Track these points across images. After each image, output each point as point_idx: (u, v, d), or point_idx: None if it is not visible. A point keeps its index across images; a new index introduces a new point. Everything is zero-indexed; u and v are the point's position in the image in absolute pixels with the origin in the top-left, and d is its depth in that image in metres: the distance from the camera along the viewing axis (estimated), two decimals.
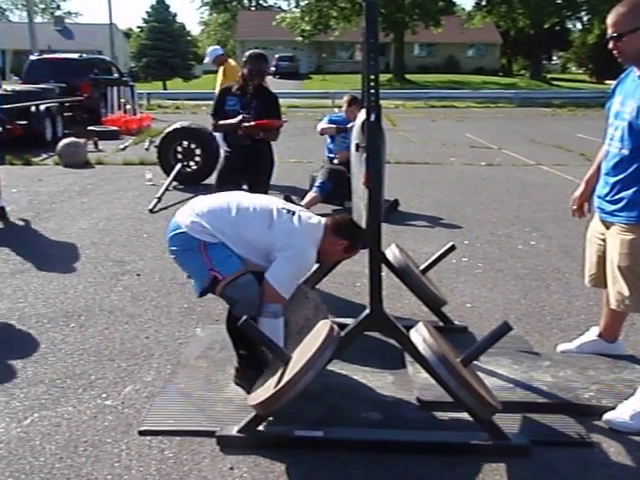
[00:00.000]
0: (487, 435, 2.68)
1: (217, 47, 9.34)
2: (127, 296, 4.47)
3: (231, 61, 9.17)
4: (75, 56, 17.25)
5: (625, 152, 2.83)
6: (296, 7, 43.51)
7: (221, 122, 4.84)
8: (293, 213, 3.10)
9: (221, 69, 8.92)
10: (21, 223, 6.49)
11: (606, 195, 2.96)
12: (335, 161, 7.10)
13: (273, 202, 3.18)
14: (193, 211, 3.08)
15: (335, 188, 6.85)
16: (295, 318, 3.09)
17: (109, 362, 3.47)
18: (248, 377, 3.05)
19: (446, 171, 10.10)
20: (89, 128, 13.80)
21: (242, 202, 3.11)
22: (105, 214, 6.91)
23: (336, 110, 17.06)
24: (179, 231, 3.04)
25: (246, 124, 4.66)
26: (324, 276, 3.96)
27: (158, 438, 2.74)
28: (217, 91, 8.98)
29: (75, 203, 7.46)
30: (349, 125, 6.64)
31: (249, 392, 2.86)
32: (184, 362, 3.44)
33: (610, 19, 2.79)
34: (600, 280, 3.15)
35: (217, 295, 3.03)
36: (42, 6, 70.11)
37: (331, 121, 7.23)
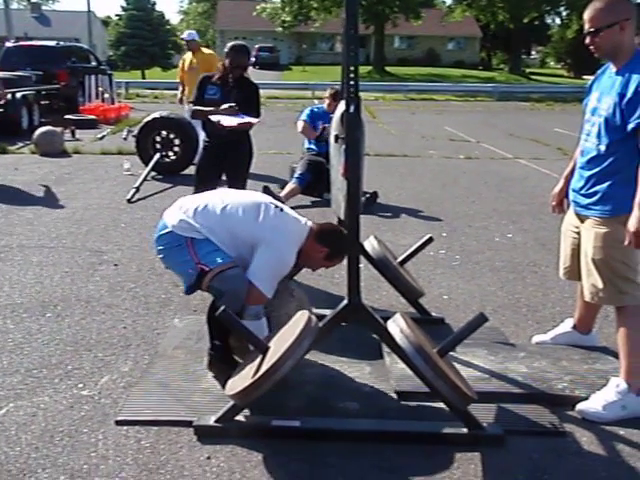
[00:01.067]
0: (463, 425, 2.72)
1: (195, 32, 9.49)
2: (104, 286, 4.44)
3: (205, 50, 9.19)
4: (52, 44, 17.02)
5: (601, 148, 2.87)
6: None
7: (198, 107, 4.81)
8: (281, 210, 3.11)
9: (189, 55, 9.03)
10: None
11: (581, 189, 3.00)
12: (315, 149, 7.08)
13: (261, 197, 3.20)
14: (179, 210, 3.10)
15: (314, 179, 6.86)
16: (278, 314, 3.09)
17: (86, 352, 3.45)
18: (221, 369, 3.07)
19: (425, 164, 10.14)
20: (66, 117, 13.63)
21: (229, 198, 3.13)
22: (82, 204, 6.85)
23: (316, 102, 17.06)
24: (166, 231, 3.06)
25: (221, 123, 4.62)
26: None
27: (135, 428, 2.74)
28: (179, 77, 9.16)
29: (52, 192, 7.38)
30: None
31: (224, 384, 2.86)
32: (162, 352, 3.44)
33: (587, 14, 2.82)
34: (574, 273, 3.19)
35: (204, 289, 3.02)
36: None
37: (312, 113, 7.23)
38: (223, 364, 3.10)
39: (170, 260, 3.13)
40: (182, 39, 9.26)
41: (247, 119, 4.66)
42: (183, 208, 3.10)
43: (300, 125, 7.22)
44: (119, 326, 3.80)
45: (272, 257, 2.97)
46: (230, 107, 4.62)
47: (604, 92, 2.88)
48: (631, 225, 2.66)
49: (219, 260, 2.95)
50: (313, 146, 7.19)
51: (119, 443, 2.64)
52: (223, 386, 2.87)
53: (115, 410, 2.87)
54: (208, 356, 3.18)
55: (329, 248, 3.12)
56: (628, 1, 2.85)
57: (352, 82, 2.63)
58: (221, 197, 3.14)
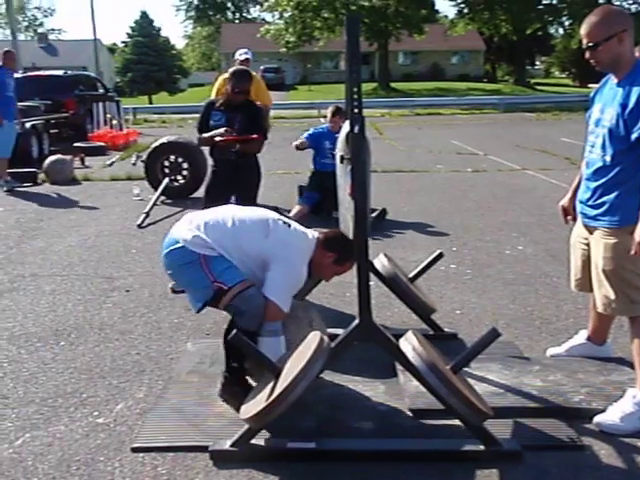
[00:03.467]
0: (479, 442, 2.70)
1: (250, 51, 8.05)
2: (117, 313, 4.46)
3: (256, 75, 7.46)
4: (60, 73, 17.21)
5: (607, 158, 2.87)
6: (280, 19, 43.65)
7: (204, 135, 4.84)
8: (289, 225, 3.15)
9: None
10: (9, 242, 6.46)
11: (588, 200, 3.00)
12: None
13: (269, 213, 3.24)
14: (190, 225, 3.09)
15: (322, 199, 6.88)
16: (293, 340, 3.06)
17: (100, 380, 3.46)
18: (234, 392, 3.04)
19: (433, 178, 10.15)
20: (75, 144, 13.75)
21: (238, 214, 3.15)
22: (93, 230, 6.90)
23: (322, 120, 17.11)
24: (177, 246, 3.04)
25: (221, 137, 4.68)
26: (314, 286, 3.98)
27: (151, 455, 2.74)
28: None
29: (62, 220, 7.44)
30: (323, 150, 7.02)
31: (237, 407, 2.86)
32: (175, 378, 3.44)
33: (584, 29, 2.84)
34: (586, 284, 3.17)
35: (220, 307, 3.03)
36: (25, 23, 70.08)
37: (313, 135, 7.27)
38: (237, 387, 3.09)
39: (182, 277, 3.13)
40: (236, 59, 7.62)
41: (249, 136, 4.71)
42: (194, 223, 3.09)
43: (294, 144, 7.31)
44: (133, 352, 3.81)
45: (285, 272, 2.99)
46: (226, 131, 4.67)
47: (607, 103, 2.89)
48: (637, 235, 2.65)
49: (237, 278, 2.96)
50: (320, 166, 7.21)
51: (136, 470, 2.64)
52: (237, 410, 2.87)
53: (131, 437, 2.87)
54: (222, 379, 3.16)
55: (337, 252, 3.15)
56: (623, 12, 2.87)
57: (356, 102, 2.65)
58: (231, 213, 3.15)
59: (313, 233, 3.22)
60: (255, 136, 4.72)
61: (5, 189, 9.31)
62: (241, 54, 7.66)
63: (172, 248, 3.07)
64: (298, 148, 7.25)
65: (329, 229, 3.33)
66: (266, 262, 3.01)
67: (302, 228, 3.24)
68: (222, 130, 4.69)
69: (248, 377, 3.16)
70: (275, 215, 3.21)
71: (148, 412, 3.08)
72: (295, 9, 40.34)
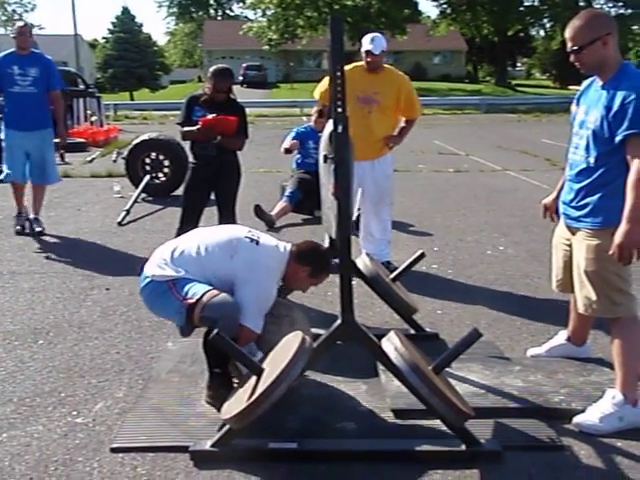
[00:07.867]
0: (460, 442, 2.70)
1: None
2: (96, 311, 4.42)
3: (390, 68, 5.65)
4: None
5: (591, 160, 2.89)
6: (263, 16, 43.56)
7: (186, 128, 4.77)
8: (257, 242, 3.15)
9: (361, 73, 5.10)
10: None
11: (571, 201, 3.02)
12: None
13: (236, 231, 3.25)
14: (157, 259, 3.17)
15: (305, 197, 6.85)
16: (274, 339, 3.01)
17: (79, 379, 3.42)
18: (220, 395, 3.00)
19: (415, 178, 10.17)
20: (55, 140, 13.59)
21: (204, 239, 3.19)
22: (73, 228, 6.83)
23: (304, 119, 17.10)
24: (147, 281, 3.13)
25: (202, 121, 4.60)
26: None
27: (130, 455, 2.71)
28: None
29: (41, 217, 7.33)
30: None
31: (220, 409, 2.84)
32: (156, 377, 3.41)
33: (568, 33, 2.86)
34: (567, 285, 3.19)
35: (197, 323, 3.01)
36: (4, 18, 69.24)
37: (297, 134, 7.24)
38: (222, 389, 3.03)
39: (158, 307, 3.19)
40: (366, 51, 4.93)
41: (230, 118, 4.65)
42: (161, 257, 3.16)
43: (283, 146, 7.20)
44: (112, 351, 3.77)
45: (252, 293, 3.01)
46: (214, 117, 4.62)
47: (591, 105, 2.91)
48: (618, 237, 2.68)
49: (203, 290, 2.96)
50: (302, 165, 7.19)
51: (115, 471, 2.61)
52: (219, 410, 2.85)
53: (110, 437, 2.84)
54: (206, 388, 3.11)
55: (310, 266, 3.19)
56: (607, 16, 2.89)
57: (339, 102, 2.64)
58: (196, 239, 3.20)
59: (285, 246, 3.23)
60: (233, 118, 4.66)
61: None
62: (373, 41, 4.92)
63: (143, 284, 3.16)
64: (288, 151, 7.19)
65: (303, 241, 3.34)
66: (234, 284, 3.04)
67: (272, 242, 3.22)
68: (211, 116, 4.62)
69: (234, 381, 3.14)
70: (242, 232, 3.20)
71: (128, 412, 3.05)
72: (278, 7, 40.30)
